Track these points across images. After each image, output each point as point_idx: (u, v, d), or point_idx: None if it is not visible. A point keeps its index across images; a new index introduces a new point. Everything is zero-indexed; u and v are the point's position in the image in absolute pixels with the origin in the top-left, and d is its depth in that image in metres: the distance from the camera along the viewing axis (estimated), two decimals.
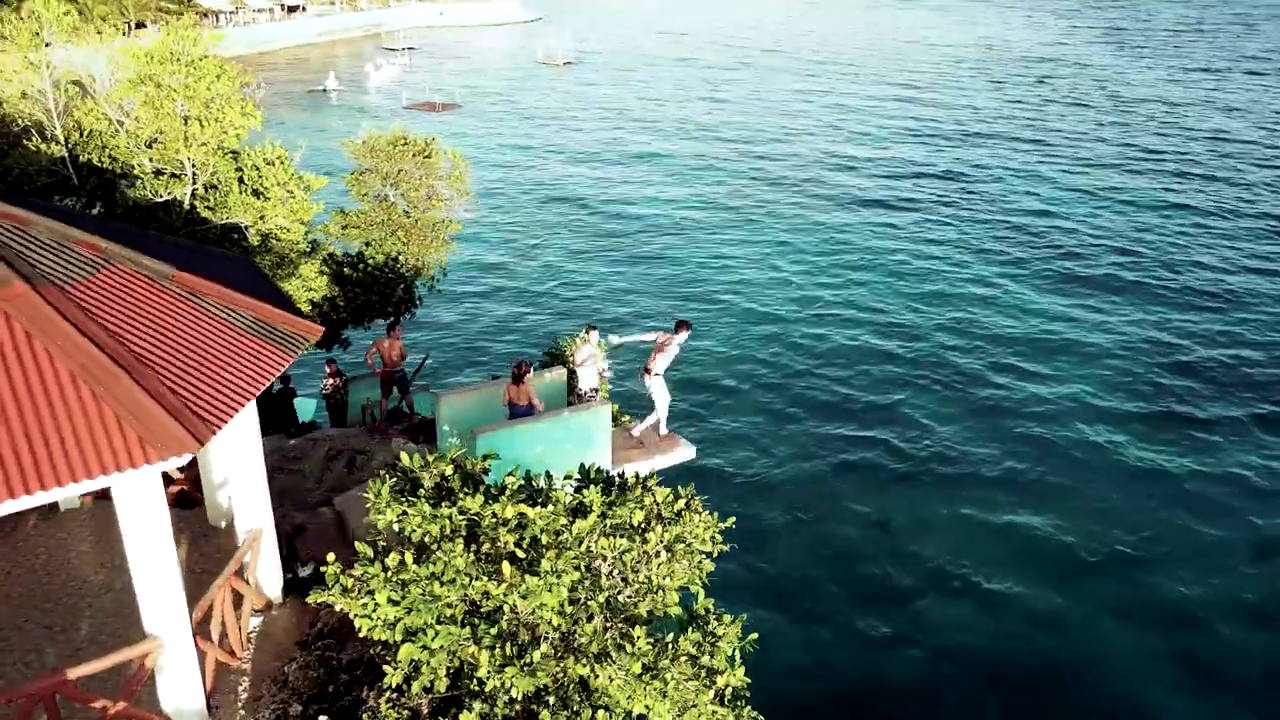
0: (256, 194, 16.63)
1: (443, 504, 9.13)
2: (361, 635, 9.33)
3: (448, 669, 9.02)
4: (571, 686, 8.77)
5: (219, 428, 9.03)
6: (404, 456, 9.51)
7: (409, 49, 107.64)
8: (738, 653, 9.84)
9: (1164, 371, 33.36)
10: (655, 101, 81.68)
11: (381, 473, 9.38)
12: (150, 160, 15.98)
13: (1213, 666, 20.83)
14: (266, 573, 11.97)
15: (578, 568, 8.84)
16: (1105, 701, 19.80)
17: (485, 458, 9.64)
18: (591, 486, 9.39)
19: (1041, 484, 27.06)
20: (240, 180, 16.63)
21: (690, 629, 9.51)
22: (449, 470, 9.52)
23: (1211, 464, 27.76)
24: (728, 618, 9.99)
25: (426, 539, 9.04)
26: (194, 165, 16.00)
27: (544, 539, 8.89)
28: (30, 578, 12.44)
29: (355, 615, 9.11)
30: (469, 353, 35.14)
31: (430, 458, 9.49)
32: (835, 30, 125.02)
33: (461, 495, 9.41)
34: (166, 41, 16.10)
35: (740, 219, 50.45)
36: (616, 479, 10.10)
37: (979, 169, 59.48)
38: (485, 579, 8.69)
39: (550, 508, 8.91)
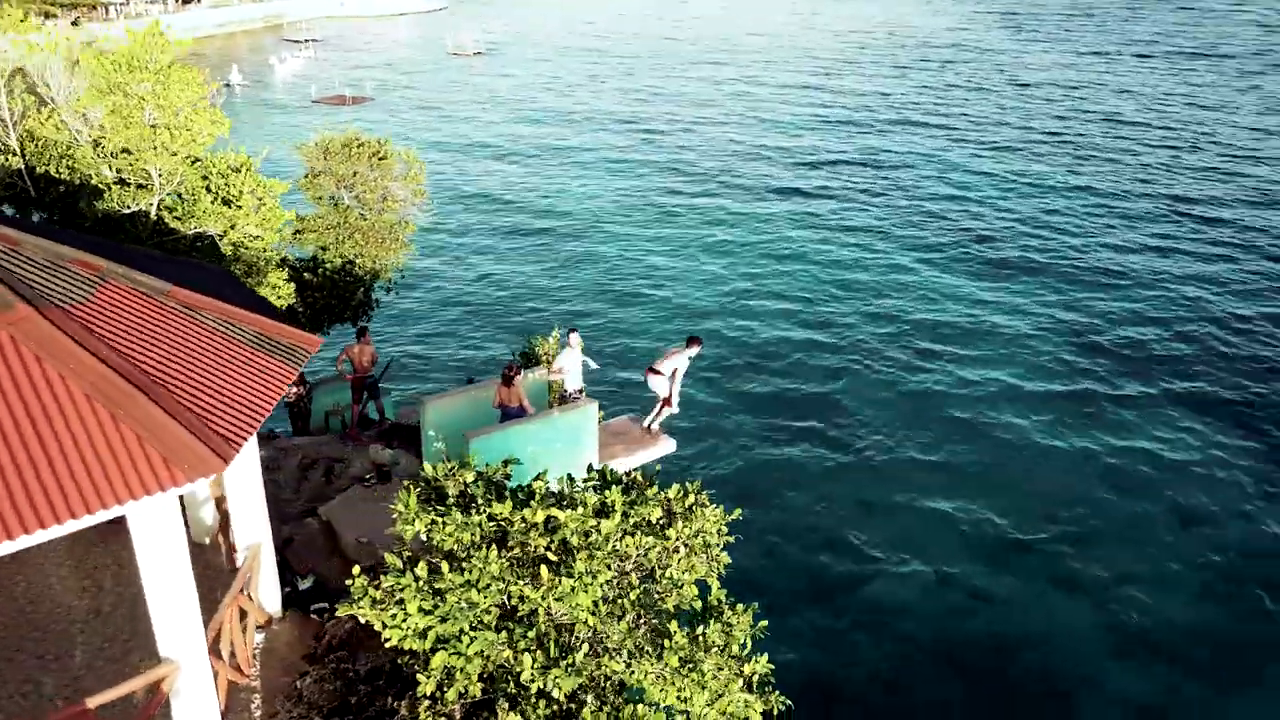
0: (226, 202, 16.20)
1: (471, 511, 9.21)
2: (390, 645, 9.37)
3: (480, 673, 9.14)
4: (608, 684, 8.97)
5: (241, 445, 8.95)
6: (428, 467, 9.55)
7: (312, 40, 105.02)
8: (749, 640, 10.18)
9: (1079, 351, 34.81)
10: (569, 92, 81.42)
11: (407, 484, 9.39)
12: (115, 170, 15.42)
13: (1144, 632, 21.98)
14: (266, 587, 11.85)
15: (609, 567, 9.04)
16: (1048, 673, 20.69)
17: (506, 463, 9.73)
18: (613, 487, 9.57)
19: (972, 466, 28.01)
20: (208, 189, 16.16)
21: (711, 620, 9.79)
22: (470, 478, 9.60)
23: (1129, 439, 29.13)
24: (740, 607, 10.30)
25: (457, 547, 9.11)
26: (161, 175, 15.47)
27: (575, 540, 9.05)
28: (12, 607, 12.05)
29: (386, 626, 9.14)
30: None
31: (451, 467, 9.55)
32: (740, 16, 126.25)
33: (482, 501, 9.52)
34: (133, 48, 15.53)
35: (660, 213, 50.60)
36: (625, 478, 10.31)
37: (891, 155, 60.95)
38: (522, 583, 8.82)
39: (580, 510, 9.06)
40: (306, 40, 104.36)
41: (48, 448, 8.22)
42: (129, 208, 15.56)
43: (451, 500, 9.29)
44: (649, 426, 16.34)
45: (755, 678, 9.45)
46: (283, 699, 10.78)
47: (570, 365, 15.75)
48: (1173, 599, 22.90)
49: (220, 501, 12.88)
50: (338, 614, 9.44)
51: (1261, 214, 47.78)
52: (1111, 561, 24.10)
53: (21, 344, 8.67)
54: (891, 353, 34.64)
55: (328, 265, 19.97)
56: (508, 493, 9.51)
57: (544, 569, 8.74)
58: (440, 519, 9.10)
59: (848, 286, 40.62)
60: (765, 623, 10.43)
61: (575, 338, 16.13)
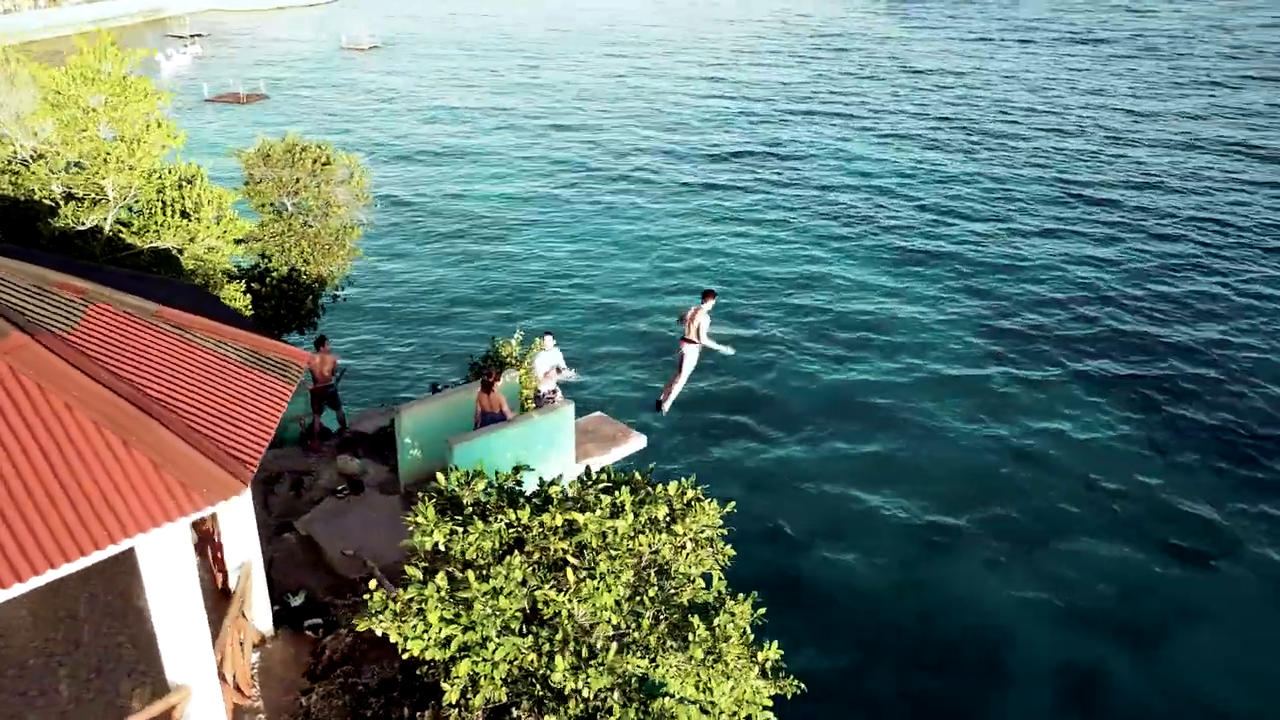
0: (184, 215, 15.64)
1: (489, 518, 9.32)
2: (407, 656, 9.42)
3: (504, 678, 9.27)
4: (633, 681, 9.21)
5: (255, 466, 8.88)
6: (441, 477, 9.60)
7: (196, 36, 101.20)
8: (745, 625, 10.54)
9: (986, 336, 36.10)
10: (470, 89, 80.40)
11: (422, 496, 9.44)
12: (66, 186, 14.71)
13: (1064, 597, 23.20)
14: (258, 606, 11.70)
15: (628, 566, 9.28)
16: (977, 641, 21.67)
17: (516, 469, 9.86)
18: (623, 488, 9.80)
19: (894, 453, 28.70)
20: (163, 203, 15.59)
21: (720, 611, 10.11)
22: (480, 486, 9.70)
23: (1037, 418, 30.35)
24: (740, 596, 10.66)
25: (477, 555, 9.21)
26: (116, 189, 14.85)
27: (594, 542, 9.25)
28: None
29: (408, 638, 9.19)
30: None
31: (467, 476, 9.63)
32: (638, 8, 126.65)
33: (493, 508, 9.64)
34: (88, 60, 14.84)
35: (571, 212, 50.33)
36: (630, 478, 10.55)
37: (796, 146, 62.05)
38: (547, 587, 8.98)
39: (598, 512, 9.27)
40: (190, 36, 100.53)
41: (62, 479, 8.03)
42: (83, 224, 14.92)
43: (469, 509, 9.38)
44: (665, 406, 17.14)
45: (768, 664, 9.81)
46: (288, 717, 10.71)
47: (544, 367, 15.86)
48: (1084, 564, 24.17)
49: (199, 522, 12.61)
50: (356, 628, 9.43)
51: (1145, 195, 50.41)
52: (1028, 534, 25.23)
53: (21, 373, 8.42)
54: (811, 345, 35.30)
55: (274, 274, 19.54)
56: (521, 498, 9.65)
57: (569, 572, 8.92)
58: (460, 528, 9.19)
59: (763, 279, 41.22)
60: (764, 609, 10.82)
61: (549, 340, 16.24)
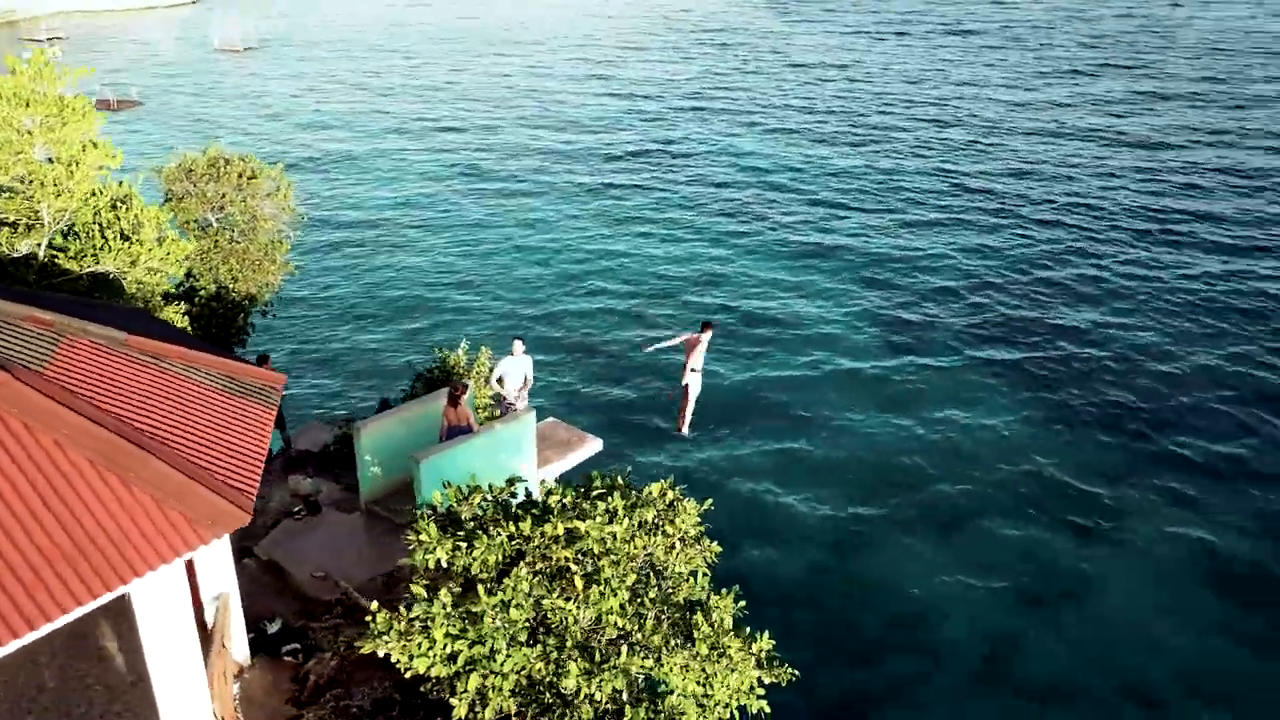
0: (124, 237, 14.90)
1: (490, 532, 9.42)
2: (416, 674, 9.44)
3: (512, 689, 9.40)
4: (639, 681, 9.46)
5: (254, 495, 8.78)
6: (436, 496, 9.64)
7: (55, 39, 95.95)
8: (731, 619, 10.92)
9: (886, 328, 37.18)
10: (353, 92, 78.41)
11: (420, 513, 9.47)
12: None
13: (978, 576, 24.40)
14: (236, 636, 11.47)
15: (630, 570, 9.51)
16: (900, 623, 22.62)
17: (510, 482, 9.97)
18: (614, 494, 10.02)
19: (809, 442, 29.28)
20: (100, 225, 14.79)
21: (710, 607, 10.44)
22: (476, 500, 9.78)
23: (940, 405, 31.59)
24: (724, 590, 11.03)
25: (481, 569, 9.30)
26: (52, 214, 14.04)
27: (595, 548, 9.45)
28: None
29: (414, 656, 9.21)
30: None
31: (465, 491, 9.69)
32: (517, 5, 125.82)
33: (491, 521, 9.74)
34: (21, 81, 13.95)
35: (466, 220, 49.43)
36: (616, 481, 10.77)
37: (688, 143, 62.61)
38: (554, 595, 9.15)
39: (598, 519, 9.47)
40: (50, 39, 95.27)
41: (63, 520, 7.81)
42: (19, 251, 14.08)
43: (470, 525, 9.46)
44: (684, 429, 18.76)
45: (763, 654, 10.19)
46: None
47: (511, 371, 15.87)
48: (994, 543, 25.34)
49: None
50: (341, 651, 9.37)
51: (1022, 183, 52.89)
52: (940, 518, 26.26)
53: (4, 412, 8.13)
54: (719, 344, 35.58)
55: (203, 293, 18.86)
56: (515, 510, 9.77)
57: (578, 579, 9.10)
58: (462, 544, 9.26)
59: (667, 279, 41.50)
60: (744, 602, 11.21)
61: (519, 345, 16.28)
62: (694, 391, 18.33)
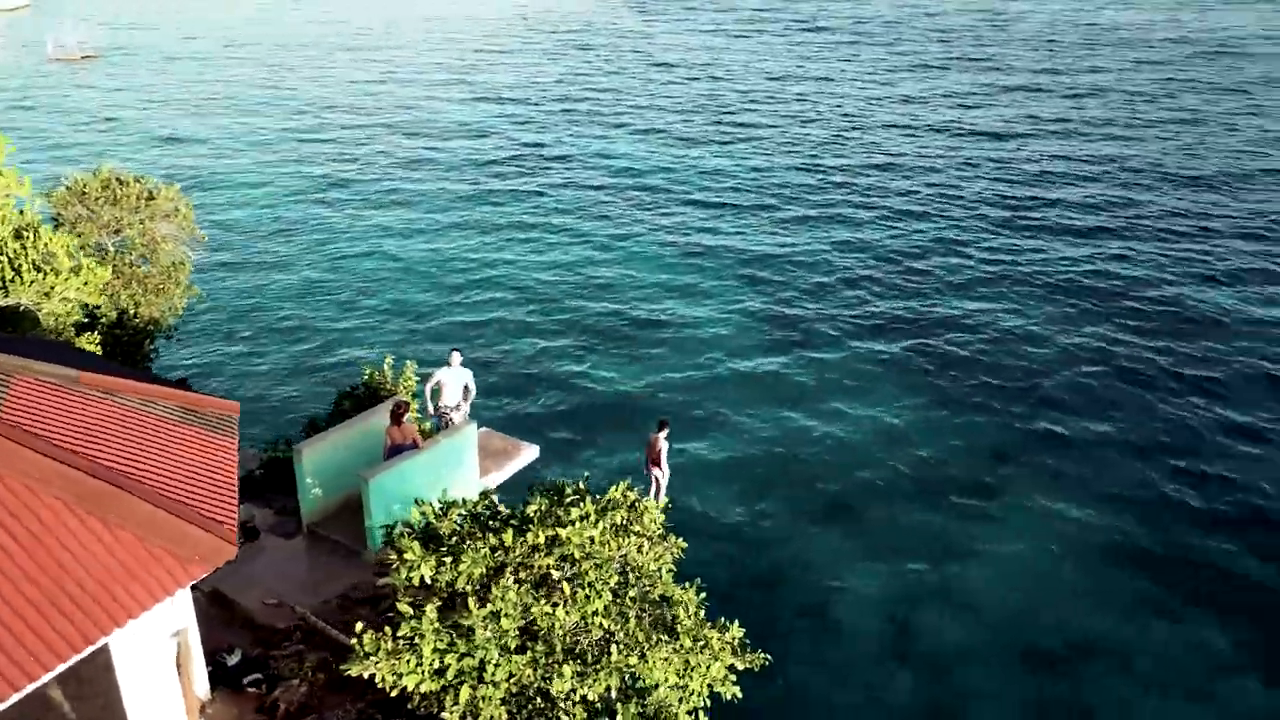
0: (36, 268, 13.93)
1: (471, 544, 9.52)
2: (404, 690, 9.47)
3: (502, 698, 9.54)
4: (626, 677, 9.74)
5: (235, 526, 8.65)
6: (414, 514, 9.67)
7: None
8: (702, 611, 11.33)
9: (772, 326, 38.13)
10: (205, 104, 75.02)
11: (400, 529, 9.48)
12: None
13: (880, 540, 25.57)
14: (196, 671, 11.16)
15: (613, 571, 9.78)
16: (808, 588, 23.55)
17: (484, 495, 10.07)
18: (586, 499, 10.27)
19: (707, 443, 30.01)
20: (7, 257, 13.75)
21: (680, 600, 10.80)
22: (454, 515, 9.86)
23: (829, 398, 32.65)
24: (686, 584, 11.43)
25: (466, 583, 9.39)
26: None
27: (577, 554, 9.68)
28: None
29: (402, 674, 9.24)
30: None
31: (443, 508, 9.74)
32: (370, 8, 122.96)
33: (468, 534, 9.84)
34: None
35: (346, 237, 47.65)
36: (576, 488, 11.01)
37: (561, 147, 62.41)
38: (542, 602, 9.33)
39: (578, 525, 9.69)
40: None
41: (44, 567, 7.55)
42: None
43: (451, 540, 9.53)
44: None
45: (736, 642, 10.62)
46: None
47: (448, 383, 15.78)
48: (892, 527, 26.62)
49: None
50: (348, 672, 9.29)
51: (884, 176, 55.12)
52: (840, 509, 27.29)
53: None
54: (608, 350, 35.81)
55: (104, 320, 17.90)
56: (494, 522, 9.90)
57: (565, 585, 9.31)
58: (447, 559, 9.34)
59: (552, 285, 41.37)
60: (705, 594, 11.63)
61: (456, 356, 16.15)
62: (663, 483, 19.56)
